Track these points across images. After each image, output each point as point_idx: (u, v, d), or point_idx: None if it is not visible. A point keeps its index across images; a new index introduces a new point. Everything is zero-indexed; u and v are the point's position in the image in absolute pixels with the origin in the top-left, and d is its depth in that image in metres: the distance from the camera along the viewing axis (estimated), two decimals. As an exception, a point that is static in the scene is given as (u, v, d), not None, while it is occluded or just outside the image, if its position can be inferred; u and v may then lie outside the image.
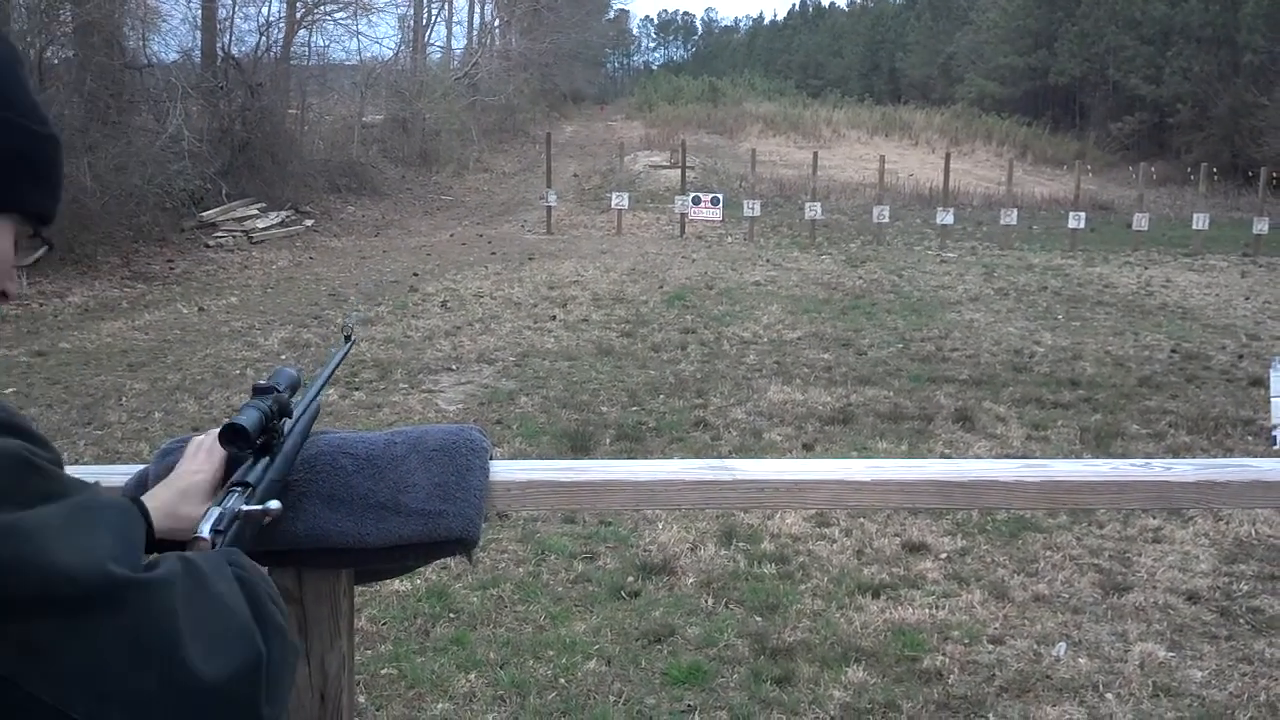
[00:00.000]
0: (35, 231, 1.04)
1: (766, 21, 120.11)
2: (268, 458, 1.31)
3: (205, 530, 1.18)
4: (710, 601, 4.80)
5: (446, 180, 29.43)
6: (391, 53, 34.26)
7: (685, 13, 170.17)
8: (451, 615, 4.62)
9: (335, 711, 1.55)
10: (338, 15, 27.32)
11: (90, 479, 1.26)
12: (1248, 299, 14.62)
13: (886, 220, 20.83)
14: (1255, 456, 6.93)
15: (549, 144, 22.83)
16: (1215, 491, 1.65)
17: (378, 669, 4.12)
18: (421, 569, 4.57)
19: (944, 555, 5.38)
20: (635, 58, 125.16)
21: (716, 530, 5.58)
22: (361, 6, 27.65)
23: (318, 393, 1.50)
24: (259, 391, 1.29)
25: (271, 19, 23.98)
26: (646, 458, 6.73)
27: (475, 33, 47.47)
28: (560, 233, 21.16)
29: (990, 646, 4.39)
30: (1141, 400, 8.68)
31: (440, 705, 3.89)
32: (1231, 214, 26.06)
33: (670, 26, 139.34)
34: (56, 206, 1.05)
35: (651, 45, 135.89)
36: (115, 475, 1.50)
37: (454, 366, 9.62)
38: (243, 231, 18.35)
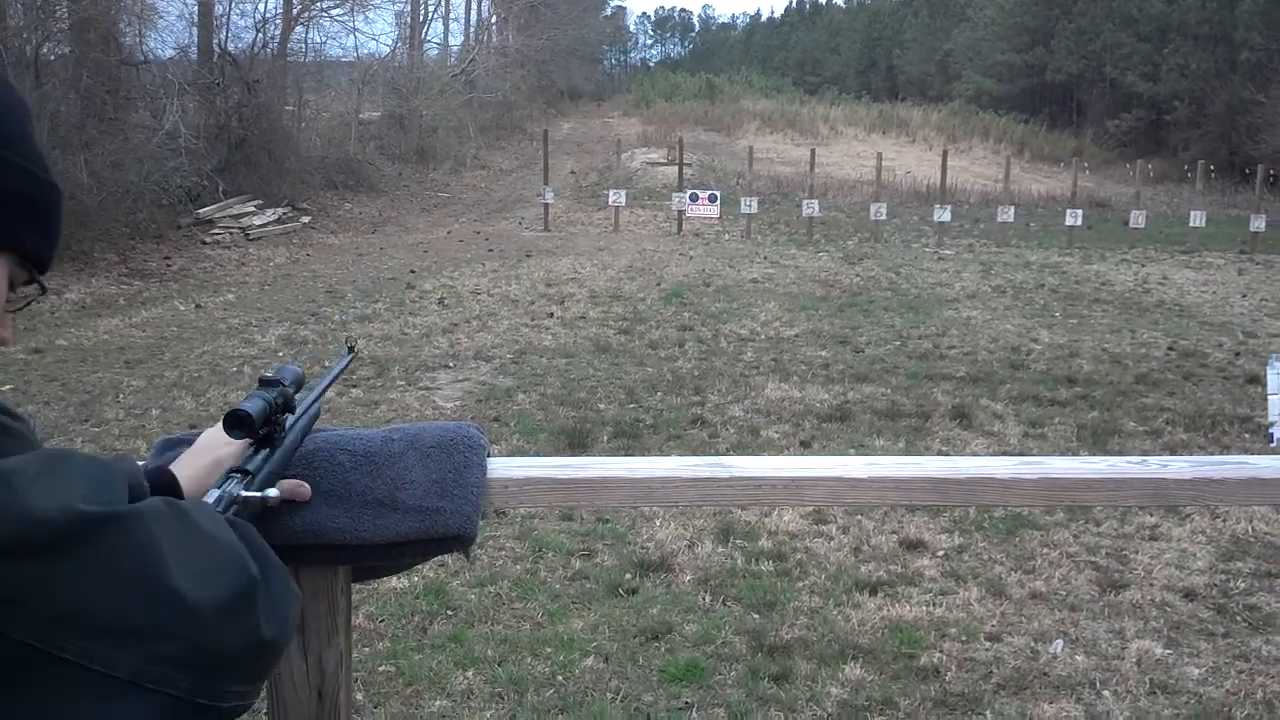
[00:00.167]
0: (31, 277, 1.04)
1: (764, 18, 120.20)
2: (268, 449, 1.31)
3: None
4: (708, 599, 4.80)
5: (444, 177, 29.41)
6: (388, 49, 34.33)
7: (683, 9, 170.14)
8: (449, 612, 4.62)
9: (333, 709, 1.55)
10: (334, 11, 27.28)
11: None
12: (1245, 296, 14.64)
13: (884, 218, 20.84)
14: (1252, 454, 6.94)
15: (546, 141, 22.82)
16: (1212, 489, 1.65)
17: (375, 666, 4.12)
18: (419, 566, 4.56)
19: (941, 552, 5.38)
20: (632, 54, 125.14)
21: (714, 527, 5.59)
22: (358, 3, 27.61)
23: (318, 396, 1.50)
24: (265, 384, 1.30)
25: (268, 15, 23.94)
26: (644, 455, 6.73)
27: (472, 29, 47.49)
28: (558, 230, 21.15)
29: (987, 644, 4.39)
30: (1138, 398, 8.68)
31: (438, 702, 3.89)
32: (1228, 211, 26.10)
33: (667, 23, 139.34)
34: (53, 252, 1.05)
35: (649, 42, 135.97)
36: (112, 473, 1.50)
37: (451, 364, 9.61)
38: (240, 228, 18.33)
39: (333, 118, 28.02)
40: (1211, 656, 4.31)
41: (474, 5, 47.63)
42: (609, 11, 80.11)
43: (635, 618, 4.59)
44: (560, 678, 4.08)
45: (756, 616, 4.62)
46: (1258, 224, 20.19)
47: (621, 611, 4.66)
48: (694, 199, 21.63)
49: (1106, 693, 4.01)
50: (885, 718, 3.86)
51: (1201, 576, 5.11)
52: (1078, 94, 48.94)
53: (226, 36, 22.52)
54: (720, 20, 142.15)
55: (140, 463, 1.51)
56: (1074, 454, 7.01)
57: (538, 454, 6.85)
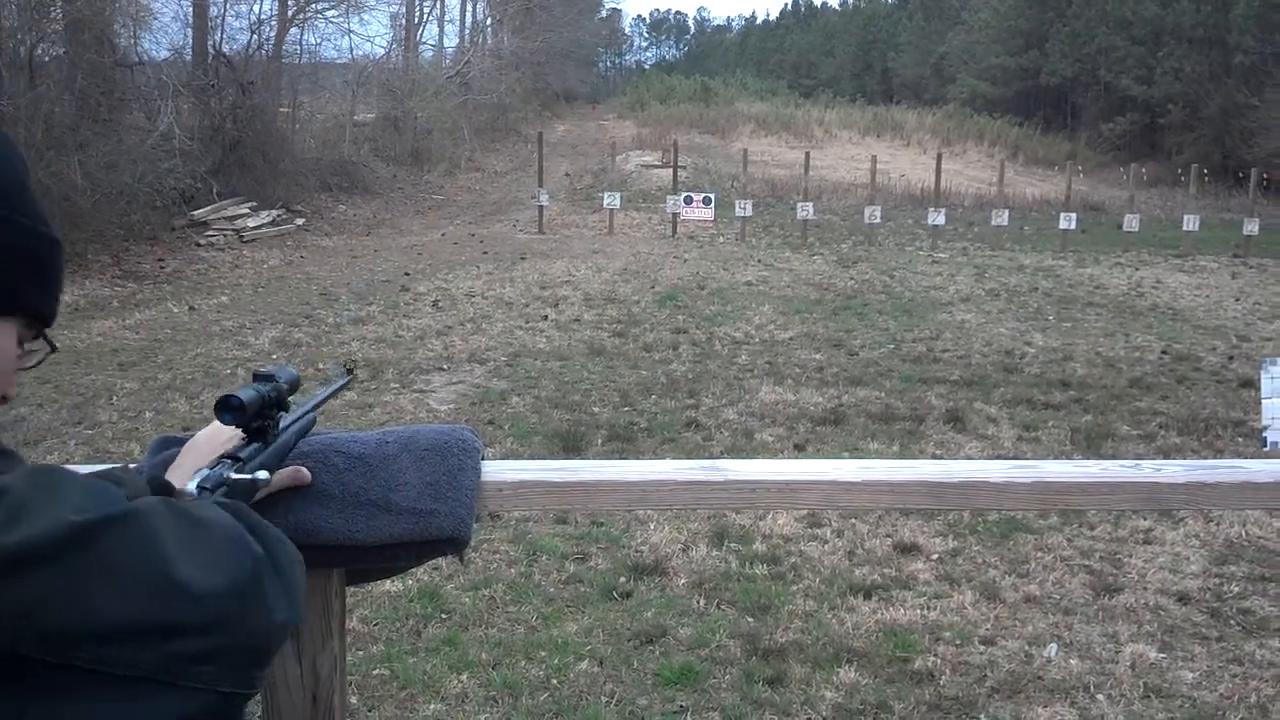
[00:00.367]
0: (38, 333, 1.04)
1: (759, 21, 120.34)
2: (260, 443, 1.31)
3: (191, 486, 1.19)
4: (702, 602, 4.80)
5: (438, 179, 29.40)
6: (383, 51, 34.27)
7: (677, 12, 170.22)
8: (443, 616, 4.61)
9: (327, 712, 1.55)
10: (329, 13, 27.31)
11: None
12: (1238, 300, 14.67)
13: (878, 221, 20.86)
14: (1245, 458, 6.95)
15: (541, 143, 22.81)
16: (1205, 493, 1.65)
17: (370, 670, 4.11)
18: (413, 570, 4.56)
19: (935, 556, 5.38)
20: (627, 57, 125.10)
21: (708, 531, 5.59)
22: (353, 4, 27.65)
23: (314, 407, 1.50)
24: (259, 378, 1.30)
25: (263, 17, 23.95)
26: (638, 458, 6.73)
27: (467, 31, 47.46)
28: (552, 232, 21.15)
29: (981, 647, 4.40)
30: (1132, 401, 8.70)
31: (432, 706, 3.88)
32: (1222, 215, 26.15)
33: (662, 26, 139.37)
34: (56, 307, 1.04)
35: (644, 44, 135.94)
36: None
37: (445, 366, 9.61)
38: (234, 230, 18.31)
39: (327, 120, 28.00)
40: (1205, 660, 4.32)
41: (469, 7, 47.65)
42: (604, 14, 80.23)
43: (630, 621, 4.59)
44: (555, 681, 4.07)
45: (751, 620, 4.62)
46: (1251, 228, 20.23)
47: (616, 615, 4.66)
48: (688, 202, 21.64)
49: (1100, 696, 4.01)
50: (879, 721, 3.86)
51: (1195, 580, 5.12)
52: (1072, 97, 49.04)
53: (221, 38, 22.54)
54: (715, 23, 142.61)
55: (134, 464, 1.51)
56: (1068, 457, 7.02)
57: (532, 457, 6.85)
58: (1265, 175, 23.51)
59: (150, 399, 8.31)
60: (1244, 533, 5.72)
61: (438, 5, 42.81)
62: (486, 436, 7.16)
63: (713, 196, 22.19)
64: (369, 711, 3.84)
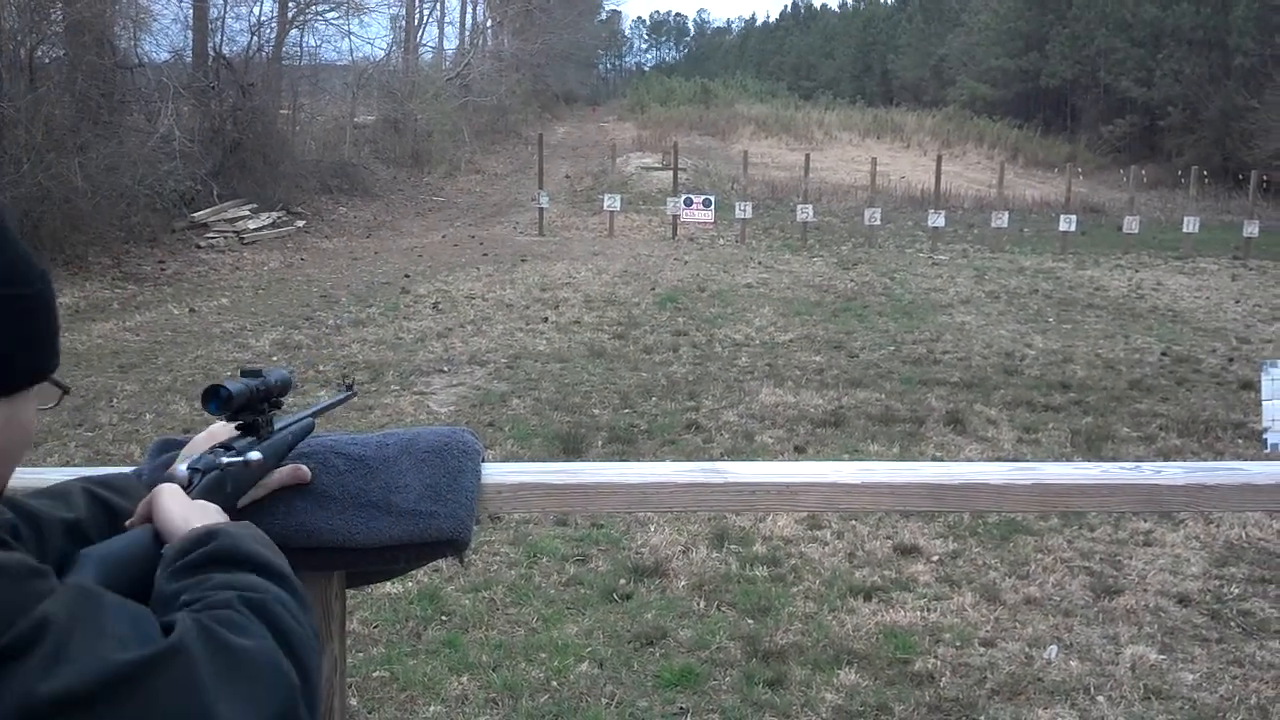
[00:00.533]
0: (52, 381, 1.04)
1: (758, 23, 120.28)
2: (253, 437, 1.32)
3: (182, 469, 1.19)
4: (702, 604, 4.80)
5: (438, 181, 29.40)
6: (383, 53, 34.25)
7: (677, 14, 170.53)
8: (443, 618, 4.61)
9: (327, 714, 1.55)
10: (329, 15, 27.33)
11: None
12: (1238, 302, 14.67)
13: (878, 223, 20.86)
14: (1246, 460, 6.95)
15: (541, 145, 22.82)
16: (1205, 495, 1.66)
17: (370, 672, 4.11)
18: (414, 572, 4.56)
19: (935, 558, 5.38)
20: (627, 59, 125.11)
21: (708, 533, 5.59)
22: (353, 7, 27.66)
23: (314, 414, 1.51)
24: (247, 375, 1.31)
25: (263, 19, 23.97)
26: (638, 460, 6.73)
27: (467, 33, 47.46)
28: (552, 234, 21.16)
29: (982, 649, 4.40)
30: (1132, 403, 8.70)
31: (432, 708, 3.88)
32: (1222, 217, 26.14)
33: (662, 28, 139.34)
34: (57, 360, 1.03)
35: (644, 46, 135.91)
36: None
37: (446, 368, 9.61)
38: (234, 232, 18.31)
39: (327, 121, 28.01)
40: (1205, 662, 4.32)
41: (469, 9, 47.67)
42: (604, 16, 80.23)
43: (630, 623, 4.59)
44: (555, 683, 4.07)
45: (751, 622, 4.61)
46: (1251, 229, 20.23)
47: (616, 617, 4.66)
48: (688, 204, 21.64)
49: (1101, 698, 4.01)
50: (879, 723, 3.86)
51: (1195, 582, 5.12)
52: (1072, 99, 49.05)
53: (221, 40, 22.56)
54: (715, 25, 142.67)
55: (134, 467, 1.51)
56: (1068, 459, 7.01)
57: (532, 459, 6.85)
58: (1265, 177, 23.51)
59: (151, 401, 8.31)
60: (1244, 535, 5.72)
61: (437, 7, 42.89)
62: (487, 438, 7.16)
63: (713, 198, 22.19)
64: (369, 713, 3.84)
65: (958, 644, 4.43)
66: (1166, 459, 6.89)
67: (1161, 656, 4.34)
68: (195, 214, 18.08)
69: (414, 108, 30.61)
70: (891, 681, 4.12)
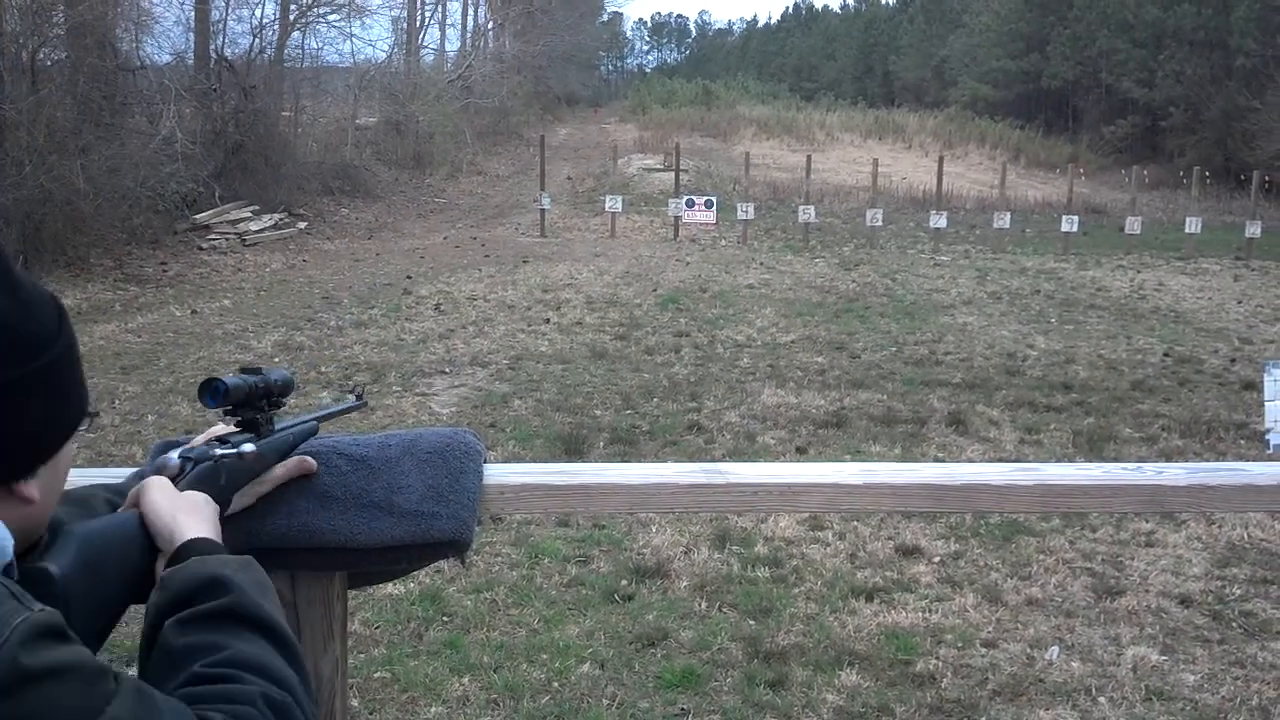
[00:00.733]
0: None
1: (760, 24, 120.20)
2: (252, 434, 1.32)
3: (174, 457, 1.19)
4: (704, 605, 4.79)
5: (440, 183, 29.41)
6: (385, 55, 34.22)
7: (679, 15, 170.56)
8: (445, 619, 4.61)
9: (329, 715, 1.55)
10: (331, 17, 27.32)
11: (85, 482, 1.28)
12: (1240, 302, 14.66)
13: (880, 224, 20.86)
14: (1248, 460, 6.94)
15: (543, 147, 22.83)
16: (1207, 495, 1.66)
17: (371, 673, 4.11)
18: (415, 573, 4.56)
19: (937, 559, 5.38)
20: (629, 60, 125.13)
21: (710, 534, 5.59)
22: (355, 9, 27.64)
23: (318, 418, 1.51)
24: (247, 372, 1.31)
25: (265, 21, 23.98)
26: (640, 461, 6.73)
27: (469, 35, 47.48)
28: (554, 236, 21.16)
29: (983, 650, 4.39)
30: (1134, 404, 8.69)
31: (434, 709, 3.88)
32: (1224, 217, 26.14)
33: (664, 29, 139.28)
34: (88, 395, 1.09)
35: (645, 48, 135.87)
36: (109, 478, 1.50)
37: (447, 370, 9.61)
38: (236, 234, 18.33)
39: (329, 123, 28.01)
40: (1207, 663, 4.32)
41: (470, 11, 47.69)
42: (605, 17, 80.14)
43: (631, 624, 4.59)
44: (556, 684, 4.07)
45: (753, 623, 4.61)
46: (1253, 230, 20.22)
47: (617, 618, 4.66)
48: (690, 205, 21.65)
49: (1102, 699, 4.01)
50: (881, 724, 3.86)
51: (1197, 583, 5.11)
52: (1073, 100, 49.04)
53: (223, 42, 22.57)
54: (717, 26, 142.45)
55: (136, 469, 1.51)
56: (1070, 460, 7.01)
57: (534, 460, 6.85)
58: (1267, 178, 23.49)
59: (152, 402, 8.32)
60: (1246, 535, 5.72)
61: (439, 9, 42.89)
62: (488, 439, 7.16)
63: (714, 200, 22.21)
64: (370, 714, 3.84)
65: (959, 645, 4.42)
66: (1168, 460, 6.88)
67: (1163, 657, 4.34)
68: (197, 216, 18.10)
69: (416, 109, 30.62)
70: (893, 682, 4.12)
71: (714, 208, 21.71)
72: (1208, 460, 6.90)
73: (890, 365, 10.01)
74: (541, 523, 5.65)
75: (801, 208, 20.99)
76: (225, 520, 1.23)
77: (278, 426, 1.38)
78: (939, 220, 20.59)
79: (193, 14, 22.24)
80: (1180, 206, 26.85)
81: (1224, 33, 39.06)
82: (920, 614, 4.70)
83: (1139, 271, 17.90)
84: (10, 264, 0.96)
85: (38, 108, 14.30)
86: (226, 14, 22.97)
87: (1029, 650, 4.40)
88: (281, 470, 1.39)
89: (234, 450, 1.25)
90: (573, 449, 7.14)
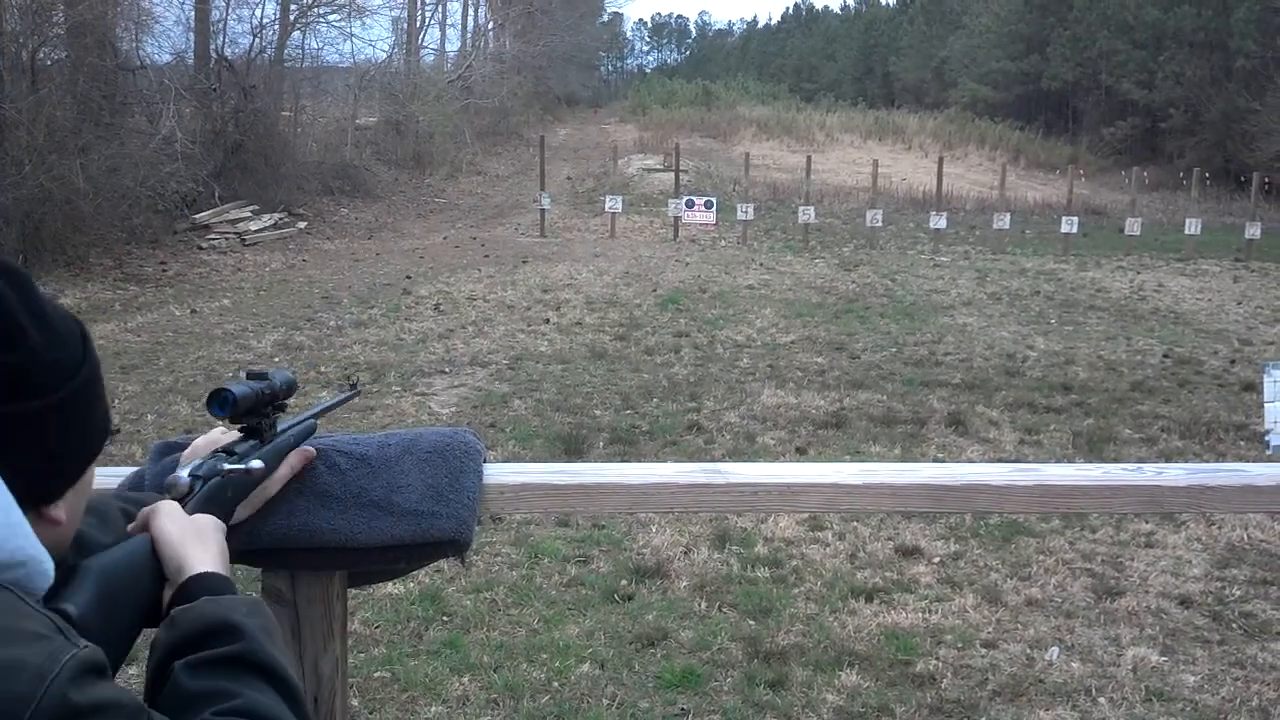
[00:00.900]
0: None
1: (760, 25, 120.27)
2: (256, 440, 1.32)
3: (184, 475, 1.19)
4: (704, 605, 4.79)
5: (440, 183, 29.41)
6: (385, 55, 34.20)
7: (679, 16, 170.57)
8: (445, 618, 4.61)
9: (328, 715, 1.55)
10: (331, 17, 27.31)
11: None
12: (1240, 304, 14.66)
13: (879, 224, 20.87)
14: (1248, 461, 6.94)
15: (543, 147, 22.83)
16: (1207, 496, 1.66)
17: (371, 672, 4.11)
18: (415, 572, 4.57)
19: (937, 559, 5.38)
20: (629, 61, 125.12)
21: (710, 534, 5.59)
22: (355, 9, 27.63)
23: (316, 415, 1.51)
24: (253, 377, 1.31)
25: (265, 21, 23.97)
26: (640, 461, 6.73)
27: (469, 35, 47.46)
28: (554, 236, 21.16)
29: (983, 650, 4.39)
30: (1134, 405, 8.69)
31: (433, 709, 3.88)
32: (1224, 219, 26.14)
33: (664, 30, 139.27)
34: (110, 413, 1.08)
35: (645, 48, 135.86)
36: (109, 478, 1.50)
37: (447, 369, 9.61)
38: (235, 234, 18.33)
39: (329, 123, 28.01)
40: (1207, 664, 4.32)
41: (471, 11, 47.67)
42: (606, 18, 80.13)
43: (631, 624, 4.59)
44: (556, 684, 4.07)
45: (752, 623, 4.61)
46: (1253, 231, 20.22)
47: (617, 618, 4.66)
48: (690, 205, 21.66)
49: (1102, 700, 4.01)
50: (881, 724, 3.86)
51: (1197, 584, 5.11)
52: (1073, 101, 49.05)
53: (223, 42, 22.57)
54: (717, 27, 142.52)
55: (136, 469, 1.51)
56: (1069, 461, 7.01)
57: (533, 460, 6.84)
58: (1267, 179, 23.49)
59: (152, 402, 8.32)
60: (1245, 536, 5.72)
61: (439, 9, 42.87)
62: (488, 439, 7.16)
63: (714, 200, 22.21)
64: (370, 714, 3.84)
65: (959, 645, 4.42)
66: (1168, 460, 6.88)
67: (1163, 658, 4.34)
68: (197, 215, 18.10)
69: (416, 109, 30.62)
70: (893, 683, 4.12)
71: (714, 208, 21.72)
72: (1207, 461, 6.90)
73: (890, 366, 10.01)
74: (541, 523, 5.65)
75: (801, 208, 20.99)
76: (229, 528, 1.23)
77: (278, 429, 1.38)
78: (939, 221, 20.59)
79: (193, 14, 22.26)
80: (1180, 208, 26.86)
81: (1224, 34, 39.08)
82: (920, 614, 4.70)
83: (1139, 273, 17.91)
84: (35, 291, 0.97)
85: (38, 107, 14.30)
86: (226, 14, 23.00)
87: (1029, 651, 4.40)
88: (285, 470, 1.39)
89: (242, 467, 1.25)
90: (572, 449, 7.14)
